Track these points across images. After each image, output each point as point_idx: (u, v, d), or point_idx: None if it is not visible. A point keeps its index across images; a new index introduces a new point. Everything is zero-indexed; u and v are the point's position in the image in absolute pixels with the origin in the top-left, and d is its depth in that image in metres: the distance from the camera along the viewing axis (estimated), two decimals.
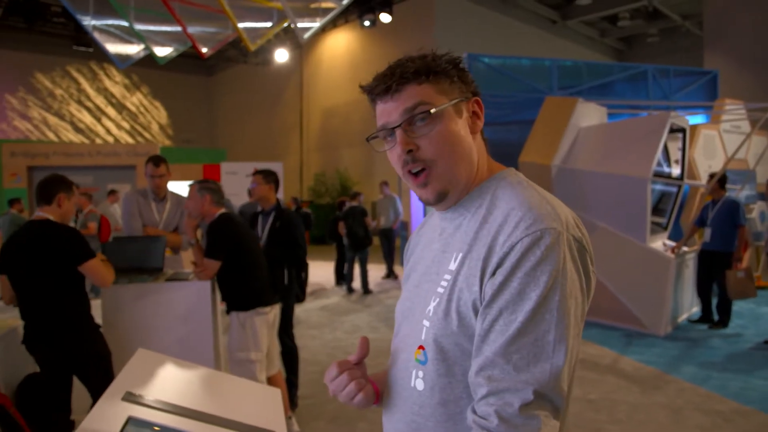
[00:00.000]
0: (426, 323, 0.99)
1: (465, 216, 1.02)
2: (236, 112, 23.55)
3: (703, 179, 7.28)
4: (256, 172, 4.13)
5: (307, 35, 8.12)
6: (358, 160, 18.44)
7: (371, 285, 9.33)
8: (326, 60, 19.81)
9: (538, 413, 0.82)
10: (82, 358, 2.81)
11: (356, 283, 9.37)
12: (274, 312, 3.60)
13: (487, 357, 0.87)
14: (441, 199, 1.02)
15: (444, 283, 0.99)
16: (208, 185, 3.44)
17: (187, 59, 19.57)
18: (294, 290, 4.18)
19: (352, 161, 18.52)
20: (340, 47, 19.18)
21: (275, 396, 1.89)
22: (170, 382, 1.74)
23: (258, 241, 3.70)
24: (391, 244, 10.55)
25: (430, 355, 0.97)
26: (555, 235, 0.88)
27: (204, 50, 7.91)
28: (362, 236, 8.79)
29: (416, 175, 1.01)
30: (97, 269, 2.83)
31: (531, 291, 0.86)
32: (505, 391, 0.84)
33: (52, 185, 2.90)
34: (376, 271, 10.61)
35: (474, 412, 0.88)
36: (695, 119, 8.54)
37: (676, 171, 7.02)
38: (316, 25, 8.19)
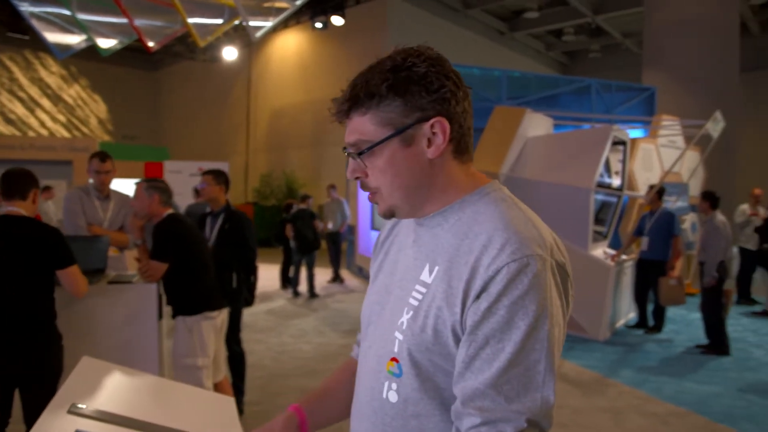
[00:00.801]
0: (399, 336, 0.97)
1: (443, 226, 0.99)
2: (181, 110, 22.93)
3: (642, 191, 7.59)
4: (207, 172, 4.03)
5: (259, 34, 7.98)
6: (305, 163, 18.28)
7: (317, 289, 9.25)
8: (276, 60, 19.57)
9: None
10: (40, 372, 2.55)
11: (302, 287, 9.27)
12: (222, 317, 3.50)
13: (476, 388, 0.85)
14: (389, 217, 1.03)
15: (417, 295, 0.97)
16: (156, 184, 3.32)
17: (131, 52, 18.95)
18: (243, 294, 4.08)
19: (300, 163, 18.34)
20: (290, 48, 19.00)
21: (229, 404, 1.82)
22: (118, 392, 1.65)
23: (207, 243, 3.59)
24: (338, 248, 10.51)
25: (405, 369, 0.96)
26: (541, 262, 0.86)
27: (151, 44, 7.64)
28: (311, 239, 8.71)
29: (370, 195, 1.03)
30: (76, 276, 2.64)
31: (519, 320, 0.84)
32: (498, 420, 0.83)
33: (25, 179, 2.66)
34: (322, 275, 10.54)
35: None
36: (634, 133, 8.91)
37: (616, 182, 7.30)
38: (268, 24, 8.06)
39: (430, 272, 0.96)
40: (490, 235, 0.90)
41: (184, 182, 11.40)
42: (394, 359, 0.97)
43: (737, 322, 7.11)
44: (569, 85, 9.41)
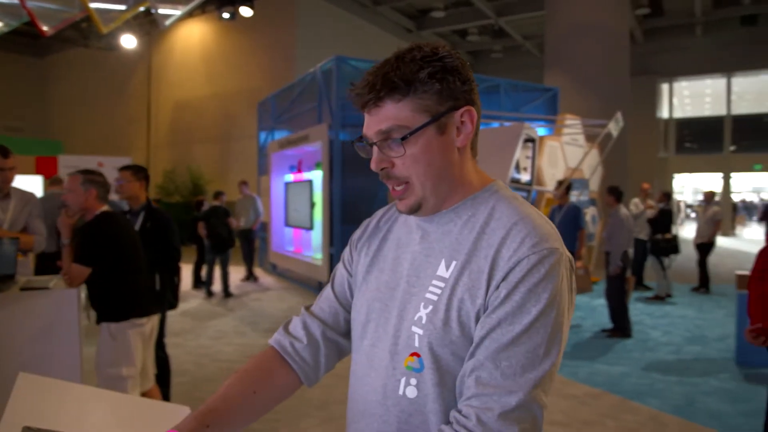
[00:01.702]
0: (418, 330, 0.97)
1: (455, 222, 1.01)
2: (74, 100, 21.30)
3: (549, 186, 8.02)
4: (124, 168, 3.79)
5: (168, 22, 7.60)
6: (211, 158, 17.63)
7: (231, 288, 8.98)
8: (179, 50, 18.68)
9: (515, 423, 0.84)
10: None
11: (215, 287, 8.96)
12: (151, 323, 3.29)
13: (478, 360, 0.89)
14: (413, 212, 1.01)
15: (435, 290, 0.97)
16: (94, 178, 3.05)
17: (15, 36, 17.33)
18: (167, 297, 3.87)
19: (206, 158, 17.66)
20: (195, 38, 18.21)
21: (183, 414, 1.72)
22: (68, 409, 1.51)
23: (140, 244, 3.34)
24: (251, 246, 10.26)
25: (426, 364, 0.95)
26: (558, 255, 0.91)
27: (45, 28, 7.06)
28: (226, 237, 8.42)
29: (394, 187, 1.00)
30: None
31: (531, 306, 0.88)
32: (488, 395, 0.86)
33: None
34: (235, 274, 10.23)
35: (458, 411, 0.89)
36: (540, 131, 9.39)
37: (525, 177, 7.67)
38: (177, 12, 7.69)
39: (447, 267, 0.98)
40: (509, 229, 0.94)
41: None
42: (414, 354, 0.97)
43: (634, 307, 7.70)
44: (480, 83, 9.63)
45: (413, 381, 0.97)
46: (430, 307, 0.97)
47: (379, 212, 1.22)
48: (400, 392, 0.98)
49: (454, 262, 0.97)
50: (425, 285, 0.99)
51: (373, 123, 0.97)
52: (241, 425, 1.06)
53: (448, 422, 0.93)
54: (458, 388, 0.92)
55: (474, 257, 0.95)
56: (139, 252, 3.22)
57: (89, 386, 1.72)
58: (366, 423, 1.04)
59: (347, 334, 1.18)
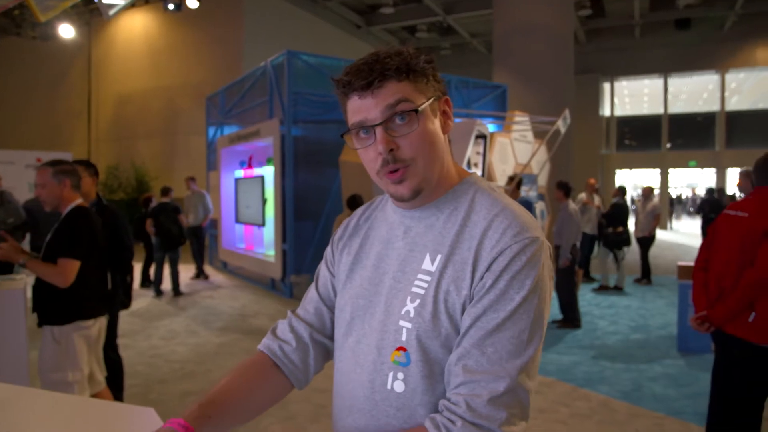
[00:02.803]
0: (406, 324, 0.98)
1: (437, 216, 1.02)
2: (6, 92, 20.17)
3: (499, 182, 8.18)
4: (75, 163, 3.63)
5: (112, 12, 7.33)
6: (156, 153, 17.09)
7: (182, 286, 8.75)
8: (121, 42, 17.99)
9: (504, 408, 0.87)
10: None
11: (164, 285, 8.72)
12: (98, 326, 3.14)
13: (464, 348, 0.91)
14: (415, 196, 1.00)
15: (421, 284, 0.99)
16: (64, 168, 2.91)
17: None
18: (119, 297, 3.74)
19: (150, 154, 17.10)
20: (138, 29, 17.57)
21: (150, 416, 1.68)
22: (26, 415, 1.44)
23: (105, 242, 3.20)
24: (201, 243, 10.03)
25: (414, 357, 0.96)
26: (539, 244, 0.95)
27: None
28: (176, 235, 8.20)
29: (392, 171, 0.98)
30: None
31: (515, 293, 0.91)
32: (476, 381, 0.88)
33: None
34: (185, 272, 9.99)
35: (447, 399, 0.91)
36: (489, 128, 9.56)
37: (476, 173, 7.80)
38: (122, 2, 7.42)
39: (432, 261, 0.99)
40: (490, 221, 0.97)
41: (18, 174, 10.09)
42: (400, 348, 0.98)
43: (582, 298, 7.96)
44: None
45: (400, 375, 0.98)
46: (418, 301, 0.98)
47: (359, 211, 1.23)
48: (388, 386, 0.99)
49: (439, 256, 0.99)
50: (411, 279, 1.00)
51: (378, 101, 0.96)
52: (238, 421, 1.07)
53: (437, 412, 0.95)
54: (446, 378, 0.94)
55: (457, 249, 0.97)
56: (104, 252, 3.12)
57: (47, 391, 1.66)
58: (353, 419, 1.04)
59: (332, 335, 1.19)
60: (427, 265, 0.99)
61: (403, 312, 0.99)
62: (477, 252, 0.94)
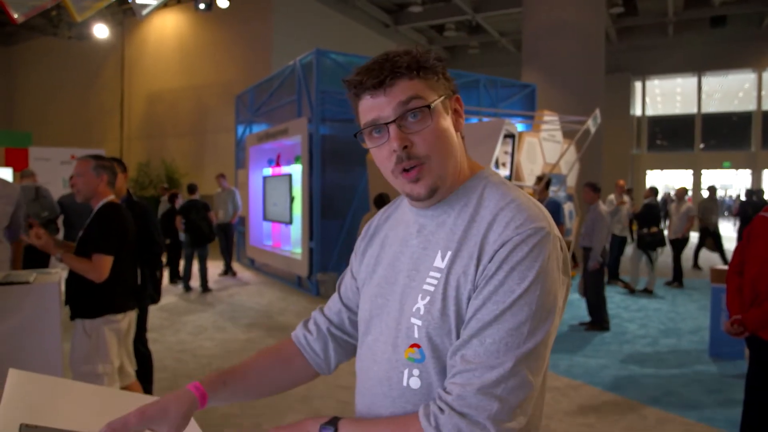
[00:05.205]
0: (417, 321, 0.99)
1: (449, 214, 1.03)
2: (42, 91, 20.75)
3: (527, 181, 8.10)
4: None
5: (145, 12, 7.46)
6: (186, 151, 17.37)
7: (210, 283, 8.88)
8: (153, 41, 18.33)
9: (496, 399, 0.85)
10: None
11: (193, 282, 8.85)
12: (127, 319, 3.21)
13: (463, 339, 0.91)
14: (432, 195, 1.00)
15: (432, 281, 0.99)
16: (105, 163, 3.00)
17: None
18: (148, 291, 3.81)
19: (180, 151, 17.39)
20: (169, 29, 17.88)
21: None
22: (64, 405, 1.47)
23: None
24: (229, 240, 10.15)
25: (427, 354, 0.97)
26: (543, 233, 0.92)
27: (16, 16, 6.87)
28: (206, 232, 8.32)
29: (407, 170, 0.98)
30: None
31: (515, 284, 0.89)
32: (471, 371, 0.87)
33: None
34: (213, 268, 10.13)
35: (443, 388, 0.91)
36: (518, 127, 9.48)
37: (504, 173, 7.73)
38: (155, 2, 7.55)
39: (443, 258, 1.00)
40: (495, 214, 0.96)
41: (53, 170, 10.36)
42: (414, 345, 0.99)
43: (610, 301, 7.82)
44: (458, 79, 9.67)
45: (416, 372, 0.98)
46: (428, 298, 0.98)
47: (380, 212, 1.25)
48: (404, 383, 1.00)
49: (448, 252, 0.99)
50: (423, 277, 1.01)
51: (390, 99, 0.96)
52: (252, 393, 1.19)
53: None
54: (447, 369, 0.94)
55: (465, 245, 0.97)
56: (135, 248, 3.19)
57: (83, 383, 1.69)
58: (374, 416, 1.05)
59: (351, 333, 1.24)
60: (437, 262, 1.00)
61: (414, 309, 1.00)
62: (481, 245, 0.94)
